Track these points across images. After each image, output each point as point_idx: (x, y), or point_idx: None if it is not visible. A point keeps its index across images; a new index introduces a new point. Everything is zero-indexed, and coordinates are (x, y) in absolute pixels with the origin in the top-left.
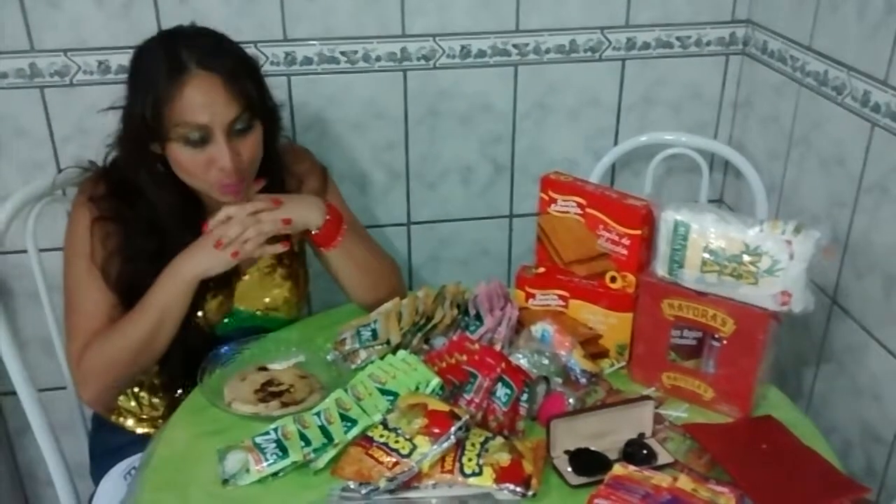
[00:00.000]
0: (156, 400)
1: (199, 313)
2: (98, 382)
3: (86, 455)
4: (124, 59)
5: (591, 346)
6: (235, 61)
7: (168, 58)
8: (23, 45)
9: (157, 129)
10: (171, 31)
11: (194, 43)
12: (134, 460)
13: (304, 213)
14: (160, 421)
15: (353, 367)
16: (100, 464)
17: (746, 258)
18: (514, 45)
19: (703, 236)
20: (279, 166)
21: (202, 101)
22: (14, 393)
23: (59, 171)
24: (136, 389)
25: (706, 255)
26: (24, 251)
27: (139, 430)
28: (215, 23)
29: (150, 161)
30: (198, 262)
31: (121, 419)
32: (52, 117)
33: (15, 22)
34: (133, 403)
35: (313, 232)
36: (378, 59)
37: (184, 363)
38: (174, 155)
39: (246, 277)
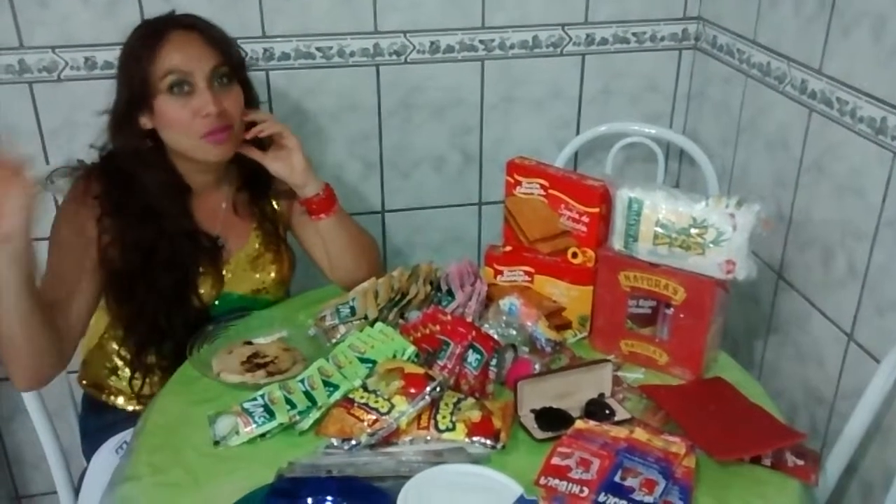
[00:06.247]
0: (156, 378)
1: (194, 295)
2: None
3: (72, 441)
4: (110, 55)
5: (556, 318)
6: (211, 26)
7: (148, 30)
8: (12, 42)
9: (144, 91)
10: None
11: (171, 17)
12: (125, 435)
13: (307, 177)
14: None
15: (333, 341)
16: (91, 441)
17: (694, 230)
18: (481, 41)
19: (655, 211)
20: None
21: (182, 51)
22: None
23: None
24: (128, 371)
25: (658, 229)
26: None
27: (129, 408)
28: None
29: (140, 137)
30: None
31: (111, 398)
32: (40, 112)
33: (4, 19)
34: (124, 384)
35: (315, 197)
36: (352, 54)
37: (183, 343)
38: (162, 110)
39: (233, 263)
